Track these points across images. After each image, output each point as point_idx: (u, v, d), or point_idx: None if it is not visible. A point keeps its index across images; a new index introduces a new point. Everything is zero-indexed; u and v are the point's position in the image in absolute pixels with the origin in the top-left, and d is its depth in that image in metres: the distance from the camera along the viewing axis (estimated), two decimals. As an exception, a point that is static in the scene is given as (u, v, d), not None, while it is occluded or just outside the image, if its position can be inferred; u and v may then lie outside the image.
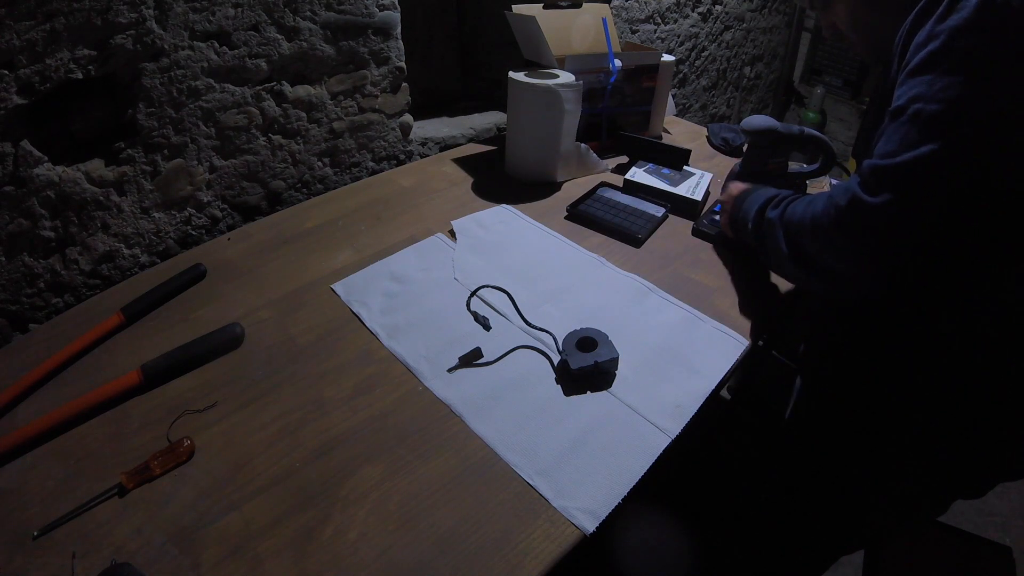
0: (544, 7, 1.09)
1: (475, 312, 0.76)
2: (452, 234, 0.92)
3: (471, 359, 0.68)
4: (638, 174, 1.07)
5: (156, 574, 0.47)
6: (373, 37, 1.03)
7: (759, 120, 0.95)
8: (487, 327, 0.74)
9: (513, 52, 1.20)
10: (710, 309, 0.78)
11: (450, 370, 0.67)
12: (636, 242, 0.92)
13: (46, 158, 0.76)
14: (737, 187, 0.84)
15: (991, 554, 0.82)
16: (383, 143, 1.16)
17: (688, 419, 0.62)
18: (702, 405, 0.64)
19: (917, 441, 0.67)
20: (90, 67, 0.75)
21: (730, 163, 1.12)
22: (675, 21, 1.78)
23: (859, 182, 0.55)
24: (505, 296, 0.75)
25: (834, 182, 1.18)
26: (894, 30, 0.60)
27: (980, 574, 0.80)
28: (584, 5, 1.14)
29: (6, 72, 0.69)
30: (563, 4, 1.12)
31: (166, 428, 0.60)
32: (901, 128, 0.53)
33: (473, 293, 0.78)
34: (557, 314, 0.76)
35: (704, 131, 1.34)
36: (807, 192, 1.04)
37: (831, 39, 0.72)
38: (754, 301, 0.80)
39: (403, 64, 1.10)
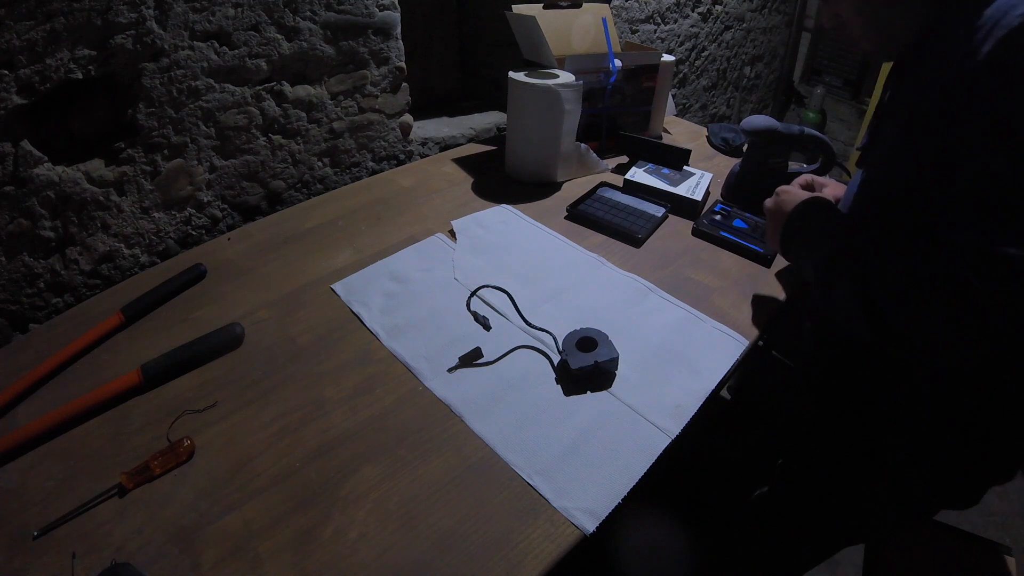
0: (544, 7, 1.10)
1: (475, 312, 0.76)
2: (452, 234, 0.92)
3: (471, 359, 0.68)
4: (638, 174, 1.07)
5: (156, 574, 0.47)
6: (373, 37, 1.03)
7: (759, 120, 0.95)
8: (487, 327, 0.74)
9: (513, 52, 1.20)
10: (710, 309, 0.78)
11: (450, 370, 0.67)
12: (636, 242, 0.92)
13: (46, 158, 0.76)
14: (789, 203, 0.70)
15: (991, 554, 0.82)
16: (383, 143, 1.16)
17: (688, 419, 0.62)
18: (702, 405, 0.64)
19: (920, 443, 0.67)
20: (90, 67, 0.75)
21: (730, 163, 1.12)
22: (675, 21, 1.78)
23: (970, 266, 0.45)
24: (505, 296, 0.75)
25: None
26: (909, 24, 0.55)
27: (980, 574, 0.80)
28: (584, 5, 1.14)
29: (6, 72, 0.69)
30: (563, 4, 1.12)
31: (166, 428, 0.60)
32: (998, 197, 0.44)
33: (473, 293, 0.78)
34: (557, 314, 0.76)
35: (704, 131, 1.35)
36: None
37: (833, 30, 0.64)
38: (754, 301, 0.80)
39: (403, 64, 1.10)
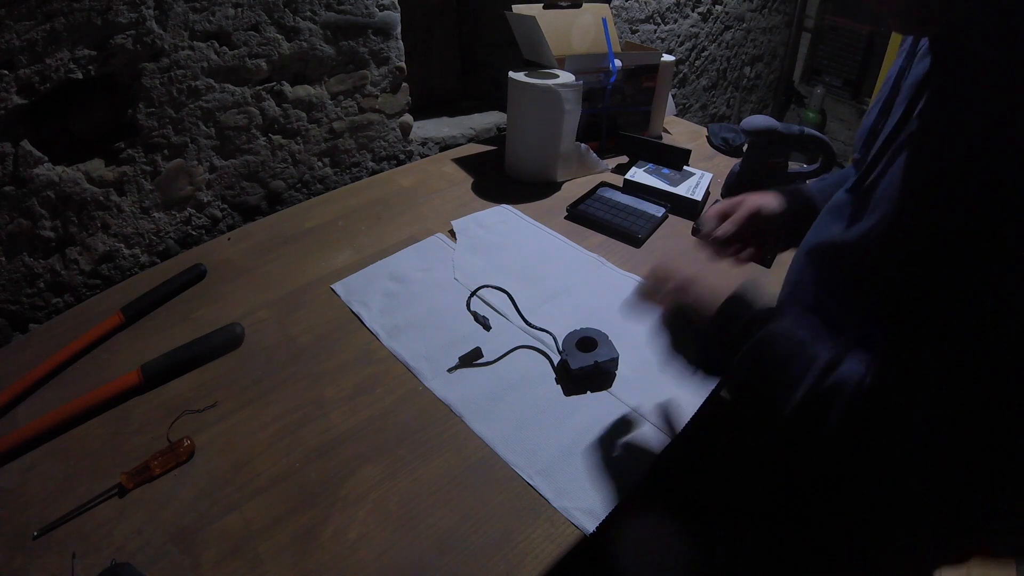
0: (544, 7, 1.10)
1: (475, 312, 0.76)
2: (452, 234, 0.92)
3: (471, 359, 0.68)
4: (638, 174, 1.07)
5: (156, 574, 0.47)
6: (373, 37, 1.03)
7: (759, 120, 0.95)
8: (487, 327, 0.74)
9: (513, 52, 1.20)
10: (710, 309, 0.78)
11: (450, 370, 0.67)
12: (636, 242, 0.92)
13: (46, 158, 0.76)
14: (698, 307, 0.50)
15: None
16: (383, 143, 1.16)
17: (688, 419, 0.62)
18: (702, 405, 0.64)
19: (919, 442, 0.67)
20: (90, 67, 0.75)
21: (730, 163, 1.12)
22: (675, 21, 1.78)
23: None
24: (505, 296, 0.75)
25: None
26: None
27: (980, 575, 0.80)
28: (584, 5, 1.14)
29: (6, 72, 0.69)
30: (563, 4, 1.12)
31: (166, 428, 0.60)
32: None
33: (473, 293, 0.78)
34: (557, 314, 0.76)
35: (704, 131, 1.34)
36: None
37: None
38: (754, 301, 0.80)
39: (403, 64, 1.10)
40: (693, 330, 0.50)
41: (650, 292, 0.54)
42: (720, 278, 0.53)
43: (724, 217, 0.66)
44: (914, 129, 0.44)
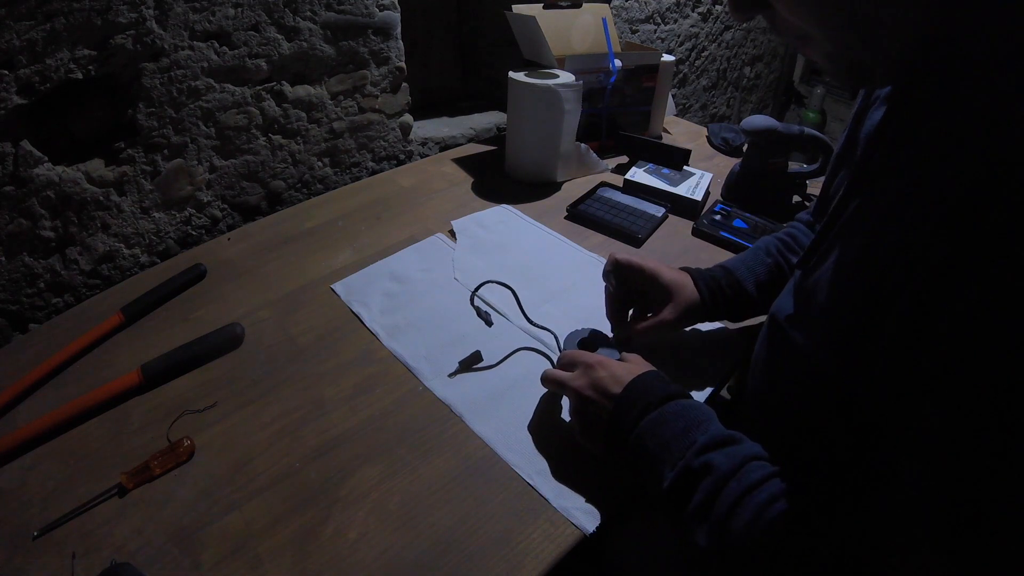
0: (544, 7, 1.10)
1: (478, 307, 0.76)
2: (452, 234, 0.92)
3: (471, 363, 0.68)
4: (638, 174, 1.07)
5: (156, 574, 0.47)
6: (373, 37, 1.03)
7: (759, 120, 0.95)
8: (489, 323, 0.74)
9: (513, 52, 1.20)
10: (710, 309, 0.78)
11: (450, 375, 0.67)
12: (636, 242, 0.92)
13: (46, 158, 0.76)
14: (615, 371, 0.53)
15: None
16: (383, 143, 1.16)
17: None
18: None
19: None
20: (90, 67, 0.75)
21: (730, 163, 1.12)
22: (675, 21, 1.78)
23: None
24: (505, 296, 0.75)
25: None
26: (912, 28, 0.31)
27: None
28: (584, 5, 1.14)
29: (6, 72, 0.69)
30: (563, 4, 1.12)
31: (166, 428, 0.60)
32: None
33: (477, 289, 0.78)
34: (557, 314, 0.76)
35: (704, 131, 1.34)
36: (806, 192, 1.05)
37: (786, 41, 0.41)
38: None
39: (403, 64, 1.10)
40: (596, 413, 0.53)
41: (559, 378, 0.57)
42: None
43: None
44: (852, 213, 0.38)
